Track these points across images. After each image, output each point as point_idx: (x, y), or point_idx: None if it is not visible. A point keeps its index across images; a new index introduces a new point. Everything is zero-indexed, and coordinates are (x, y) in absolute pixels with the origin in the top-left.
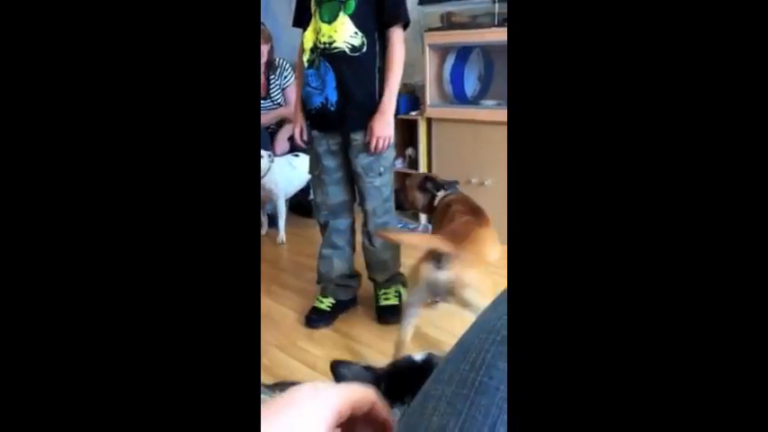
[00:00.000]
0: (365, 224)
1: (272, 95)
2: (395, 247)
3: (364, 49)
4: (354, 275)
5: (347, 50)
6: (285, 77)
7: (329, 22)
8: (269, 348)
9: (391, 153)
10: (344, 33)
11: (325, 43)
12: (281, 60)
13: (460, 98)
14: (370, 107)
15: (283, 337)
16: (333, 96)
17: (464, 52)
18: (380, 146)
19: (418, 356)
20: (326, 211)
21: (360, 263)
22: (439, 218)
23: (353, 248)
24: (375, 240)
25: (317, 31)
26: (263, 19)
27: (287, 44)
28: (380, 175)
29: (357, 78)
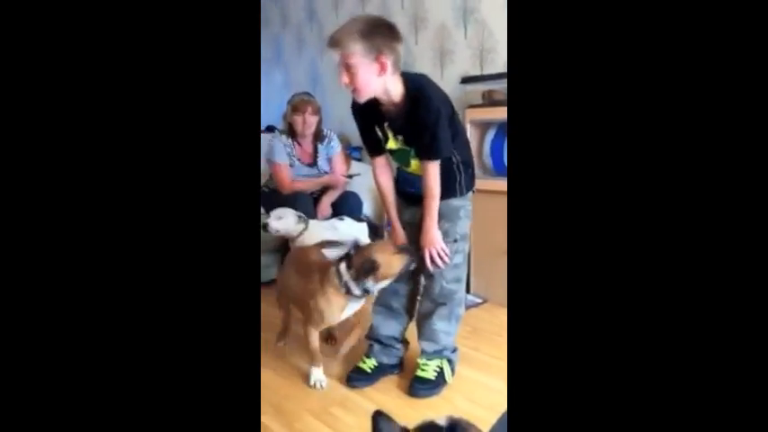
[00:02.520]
0: (431, 288)
1: (319, 164)
2: (452, 321)
3: None
4: (402, 341)
5: None
6: (332, 147)
7: (407, 166)
8: (302, 413)
9: (466, 223)
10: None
11: (411, 171)
12: (329, 131)
13: (500, 170)
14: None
15: (316, 403)
16: (418, 190)
17: (504, 127)
18: (434, 255)
19: (441, 421)
20: None
21: (412, 332)
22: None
23: (410, 316)
24: (436, 309)
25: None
26: (312, 91)
27: (334, 116)
28: (455, 241)
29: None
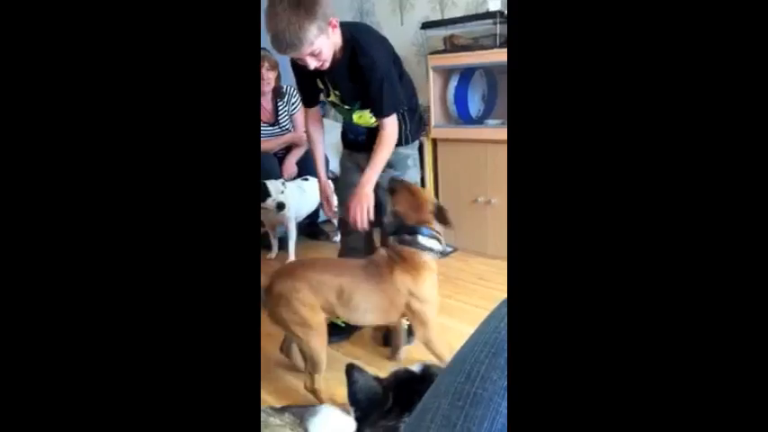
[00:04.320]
0: (383, 241)
1: (281, 122)
2: None
3: None
4: None
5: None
6: (293, 104)
7: (350, 120)
8: (280, 372)
9: (415, 172)
10: (367, 119)
11: (355, 123)
12: (289, 87)
13: (465, 118)
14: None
15: (293, 361)
16: (363, 137)
17: (467, 73)
18: (357, 221)
19: (415, 368)
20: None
21: None
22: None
23: None
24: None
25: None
26: (269, 47)
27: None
28: None
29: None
